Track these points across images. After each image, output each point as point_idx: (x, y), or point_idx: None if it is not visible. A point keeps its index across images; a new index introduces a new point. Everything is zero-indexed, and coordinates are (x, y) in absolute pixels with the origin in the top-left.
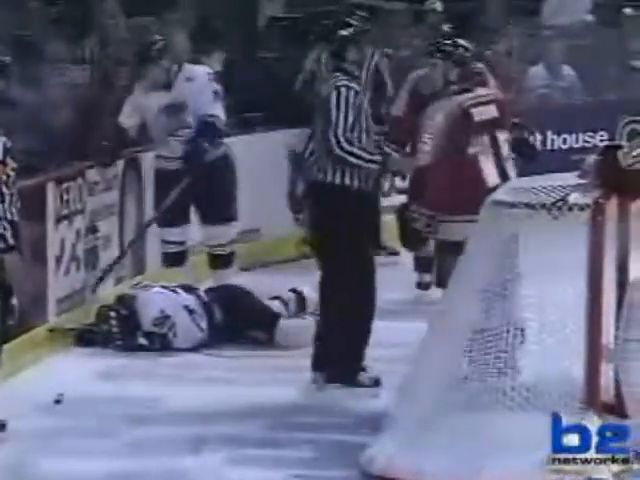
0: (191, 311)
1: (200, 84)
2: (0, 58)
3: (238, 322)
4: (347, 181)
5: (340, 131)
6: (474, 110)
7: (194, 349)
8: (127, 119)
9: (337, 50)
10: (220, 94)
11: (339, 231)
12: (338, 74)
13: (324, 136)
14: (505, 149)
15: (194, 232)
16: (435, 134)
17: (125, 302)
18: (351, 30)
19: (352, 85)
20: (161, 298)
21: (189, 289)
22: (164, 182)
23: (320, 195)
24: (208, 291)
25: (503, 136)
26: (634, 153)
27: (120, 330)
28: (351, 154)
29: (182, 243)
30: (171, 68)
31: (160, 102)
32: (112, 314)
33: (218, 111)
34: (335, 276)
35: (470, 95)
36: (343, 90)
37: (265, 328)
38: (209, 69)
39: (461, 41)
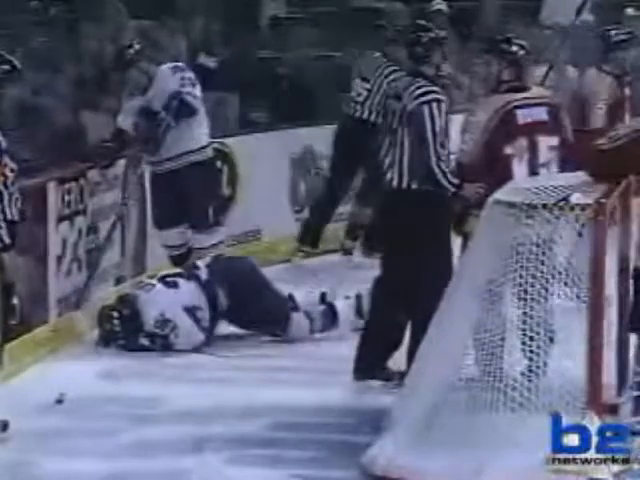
0: (193, 313)
1: (161, 84)
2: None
3: (245, 311)
4: (429, 188)
5: (439, 148)
6: (519, 111)
7: (196, 349)
8: (123, 120)
9: (419, 54)
10: (192, 80)
11: (424, 237)
12: (424, 82)
13: (422, 147)
14: (545, 155)
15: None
16: (476, 131)
17: (127, 302)
18: (432, 35)
19: (444, 98)
20: (162, 299)
21: (190, 277)
22: (152, 185)
23: (405, 203)
24: (212, 271)
25: (548, 141)
26: (610, 134)
27: (122, 330)
28: (444, 175)
29: (184, 245)
30: (149, 71)
31: (138, 106)
32: (114, 314)
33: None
34: (417, 280)
35: (519, 95)
36: (435, 104)
37: (276, 322)
38: (175, 64)
39: (517, 40)
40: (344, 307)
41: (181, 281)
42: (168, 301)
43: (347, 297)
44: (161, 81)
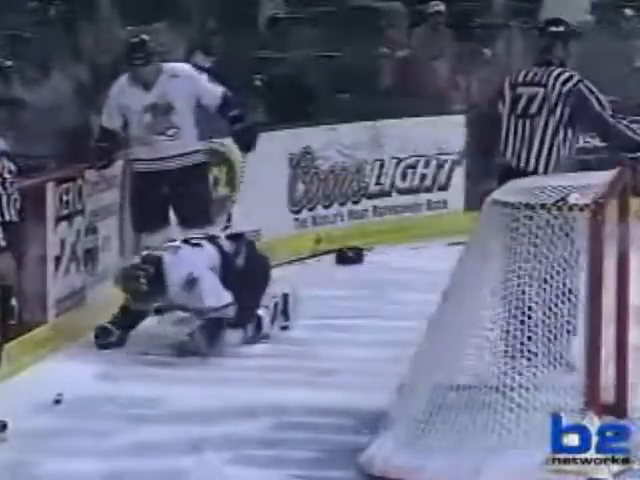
0: (216, 273)
1: (185, 81)
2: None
3: (240, 291)
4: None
5: (610, 116)
6: None
7: (225, 308)
8: (110, 120)
9: (549, 44)
10: (212, 79)
11: None
12: (561, 69)
13: (596, 122)
14: None
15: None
16: None
17: (152, 261)
18: (561, 28)
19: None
20: (188, 259)
21: (212, 241)
22: (144, 185)
23: None
24: (232, 243)
25: None
26: None
27: (149, 289)
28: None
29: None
30: (154, 69)
31: (143, 102)
32: (140, 273)
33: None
34: None
35: None
36: (586, 81)
37: (242, 321)
38: (192, 64)
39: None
40: (265, 316)
41: (205, 242)
42: (195, 261)
43: (266, 306)
44: (183, 80)
